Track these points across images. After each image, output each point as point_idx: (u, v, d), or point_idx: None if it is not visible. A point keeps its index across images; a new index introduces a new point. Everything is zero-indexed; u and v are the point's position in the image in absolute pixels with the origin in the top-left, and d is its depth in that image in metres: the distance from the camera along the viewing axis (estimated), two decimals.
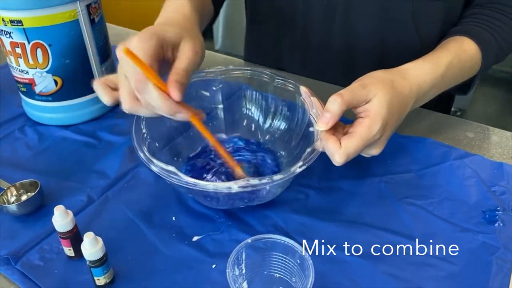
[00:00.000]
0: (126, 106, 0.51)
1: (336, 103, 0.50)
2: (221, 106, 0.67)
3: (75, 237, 0.50)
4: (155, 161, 0.51)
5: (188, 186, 0.49)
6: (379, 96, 0.52)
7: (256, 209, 0.58)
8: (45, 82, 0.68)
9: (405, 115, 0.57)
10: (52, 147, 0.69)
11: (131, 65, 0.46)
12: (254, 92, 0.67)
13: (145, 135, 0.57)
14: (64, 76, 0.68)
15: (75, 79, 0.69)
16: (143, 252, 0.53)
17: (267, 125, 0.67)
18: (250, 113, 0.68)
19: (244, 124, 0.68)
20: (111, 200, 0.59)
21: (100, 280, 0.47)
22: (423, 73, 0.59)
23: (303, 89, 0.59)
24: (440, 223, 0.56)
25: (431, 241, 0.54)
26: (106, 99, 0.52)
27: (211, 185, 0.48)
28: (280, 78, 0.63)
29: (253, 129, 0.68)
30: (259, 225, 0.56)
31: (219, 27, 2.70)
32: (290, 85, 0.63)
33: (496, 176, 0.62)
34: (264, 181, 0.48)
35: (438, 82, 0.61)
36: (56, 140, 0.70)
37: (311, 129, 0.64)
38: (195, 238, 0.54)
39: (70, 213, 0.49)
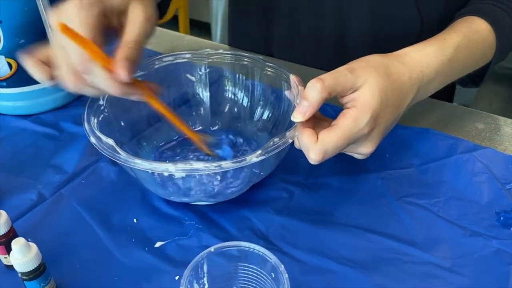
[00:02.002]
0: (69, 86, 0.43)
1: (315, 89, 0.42)
2: (206, 93, 0.60)
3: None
4: (98, 133, 0.45)
5: (123, 163, 0.42)
6: (370, 83, 0.44)
7: (232, 210, 0.50)
8: None
9: (404, 107, 0.48)
10: (7, 139, 0.61)
11: (71, 42, 0.39)
12: (239, 77, 0.59)
13: (102, 108, 0.50)
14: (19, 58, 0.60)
15: None
16: (95, 260, 0.45)
17: (253, 113, 0.60)
18: (235, 99, 0.61)
19: (227, 110, 0.61)
20: (65, 198, 0.51)
21: None
22: (426, 57, 0.50)
23: (292, 78, 0.51)
24: (446, 226, 0.48)
25: (435, 247, 0.46)
26: (41, 77, 0.45)
27: (146, 164, 0.41)
28: (271, 64, 0.55)
29: (237, 116, 0.60)
30: (234, 228, 0.48)
31: (218, 21, 2.62)
32: (280, 72, 0.55)
33: (511, 172, 0.53)
34: (210, 166, 0.40)
35: (445, 67, 0.51)
36: (12, 131, 0.62)
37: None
38: (158, 244, 0.46)
39: (4, 214, 0.41)
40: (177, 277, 0.43)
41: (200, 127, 0.61)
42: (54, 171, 0.55)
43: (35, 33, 0.60)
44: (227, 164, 0.40)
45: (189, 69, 0.59)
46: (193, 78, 0.60)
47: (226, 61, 0.58)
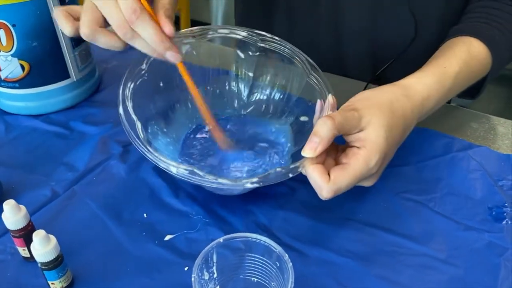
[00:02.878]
0: (85, 31, 0.46)
1: (326, 126, 0.43)
2: (250, 73, 0.61)
3: (30, 236, 0.44)
4: (129, 105, 0.47)
5: (134, 144, 0.45)
6: (375, 124, 0.45)
7: (237, 205, 0.52)
8: (11, 67, 0.62)
9: (403, 140, 0.51)
10: (20, 138, 0.63)
11: None
12: (279, 75, 0.60)
13: (143, 72, 0.51)
14: (31, 60, 0.62)
15: (44, 64, 0.63)
16: (108, 252, 0.47)
17: (283, 112, 0.61)
18: (271, 92, 0.61)
19: (257, 100, 0.62)
20: (78, 194, 0.53)
21: (55, 285, 0.42)
22: (428, 89, 0.52)
23: (329, 99, 0.51)
24: (442, 220, 0.50)
25: (431, 240, 0.48)
26: (68, 29, 0.47)
27: (150, 155, 0.43)
28: (316, 76, 0.55)
29: (265, 108, 0.61)
30: (240, 222, 0.50)
31: (218, 21, 2.63)
32: (322, 87, 0.54)
33: (504, 169, 0.56)
34: (208, 178, 0.42)
35: (444, 97, 0.54)
36: (24, 131, 0.64)
37: (302, 118, 0.58)
38: (167, 237, 0.49)
39: (23, 208, 0.43)
40: (186, 268, 0.45)
41: (229, 110, 0.61)
42: (66, 169, 0.57)
43: (47, 36, 0.62)
44: (223, 181, 0.43)
45: (241, 46, 0.59)
46: (242, 55, 0.60)
47: (279, 51, 0.57)
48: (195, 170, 0.42)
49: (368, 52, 0.75)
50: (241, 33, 0.57)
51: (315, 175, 0.44)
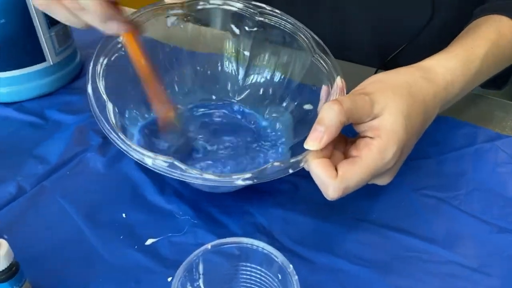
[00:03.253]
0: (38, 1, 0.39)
1: (332, 112, 0.36)
2: (247, 52, 0.54)
3: None
4: (100, 84, 0.41)
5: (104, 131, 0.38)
6: (391, 109, 0.38)
7: (231, 203, 0.45)
8: None
9: (424, 130, 0.43)
10: None
11: None
12: (280, 55, 0.53)
13: (120, 46, 0.44)
14: (0, 40, 0.55)
15: (15, 45, 0.56)
16: (78, 259, 0.40)
17: (283, 98, 0.53)
18: (270, 74, 0.54)
19: (254, 82, 0.54)
20: (48, 191, 0.46)
21: None
22: (452, 73, 0.44)
23: (338, 83, 0.44)
24: (470, 221, 0.43)
25: (458, 245, 0.41)
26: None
27: (121, 144, 0.37)
28: (322, 55, 0.48)
29: (262, 93, 0.54)
30: (235, 224, 0.43)
31: None
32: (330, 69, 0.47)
33: None
34: (191, 172, 0.35)
35: (470, 83, 0.46)
36: None
37: (305, 106, 0.51)
38: (149, 241, 0.42)
39: None
40: (169, 279, 0.38)
41: (221, 94, 0.54)
42: (36, 162, 0.50)
43: (17, 13, 0.55)
44: (209, 176, 0.35)
45: (236, 20, 0.52)
46: (237, 31, 0.53)
47: (280, 27, 0.50)
48: (176, 163, 0.35)
49: (376, 36, 0.68)
50: (236, 5, 0.50)
51: (319, 170, 0.37)
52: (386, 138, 0.38)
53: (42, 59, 0.59)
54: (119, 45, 0.44)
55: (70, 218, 0.44)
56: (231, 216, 0.44)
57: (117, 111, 0.40)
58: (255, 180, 0.36)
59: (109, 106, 0.39)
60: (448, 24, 0.61)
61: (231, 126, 0.52)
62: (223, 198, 0.45)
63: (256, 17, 0.50)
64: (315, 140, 0.36)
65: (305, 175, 0.47)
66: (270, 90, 0.54)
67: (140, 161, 0.36)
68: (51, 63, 0.60)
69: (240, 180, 0.36)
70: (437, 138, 0.52)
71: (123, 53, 0.44)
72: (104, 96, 0.39)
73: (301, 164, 0.38)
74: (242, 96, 0.55)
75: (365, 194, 0.46)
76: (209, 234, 0.42)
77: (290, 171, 0.37)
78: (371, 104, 0.38)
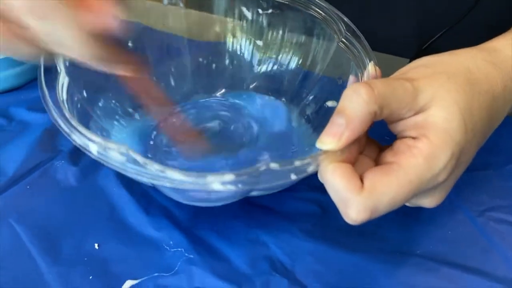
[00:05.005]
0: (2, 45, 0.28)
1: (358, 98, 0.25)
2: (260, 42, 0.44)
3: None
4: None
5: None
6: (444, 101, 0.27)
7: (239, 230, 0.34)
8: None
9: (490, 132, 0.33)
10: None
11: None
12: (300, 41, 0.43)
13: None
14: None
15: None
16: None
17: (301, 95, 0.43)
18: (281, 63, 0.44)
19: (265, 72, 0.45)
20: (0, 211, 0.36)
21: None
22: None
23: (370, 70, 0.33)
24: None
25: None
26: None
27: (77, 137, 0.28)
28: (349, 36, 0.38)
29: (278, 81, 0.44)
30: (243, 260, 0.32)
31: None
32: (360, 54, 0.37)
33: None
34: (155, 170, 0.26)
35: None
36: None
37: (329, 103, 0.40)
38: (127, 284, 0.31)
39: None
40: None
41: (223, 89, 0.45)
42: None
43: None
44: (175, 175, 0.25)
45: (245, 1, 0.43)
46: (248, 15, 0.43)
47: (301, 7, 0.40)
48: (132, 154, 0.25)
49: (412, 21, 0.57)
50: None
51: (336, 179, 0.25)
52: (436, 139, 0.26)
53: None
54: None
55: (23, 249, 0.33)
56: (238, 247, 0.33)
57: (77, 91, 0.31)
58: (239, 186, 0.25)
59: (63, 79, 0.31)
60: (495, 11, 0.50)
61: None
62: (228, 223, 0.34)
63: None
64: (332, 136, 0.25)
65: None
66: (284, 84, 0.43)
67: (82, 147, 0.27)
68: None
69: (217, 183, 0.25)
70: (500, 144, 0.41)
71: None
72: (61, 66, 0.31)
73: (310, 169, 0.27)
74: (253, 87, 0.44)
75: (415, 219, 0.35)
76: (208, 274, 0.31)
77: (293, 177, 0.26)
78: (414, 93, 0.27)
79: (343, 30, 0.38)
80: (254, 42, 0.44)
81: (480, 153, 0.39)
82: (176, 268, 0.32)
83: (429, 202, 0.30)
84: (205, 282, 0.31)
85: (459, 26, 0.54)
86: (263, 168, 0.26)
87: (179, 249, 0.33)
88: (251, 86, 0.44)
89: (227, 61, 0.45)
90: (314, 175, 0.37)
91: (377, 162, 0.29)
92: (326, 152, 0.26)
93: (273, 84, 0.44)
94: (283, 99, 0.43)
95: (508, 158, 0.40)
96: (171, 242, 0.33)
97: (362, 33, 0.41)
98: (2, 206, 0.36)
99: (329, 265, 0.32)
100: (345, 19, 0.38)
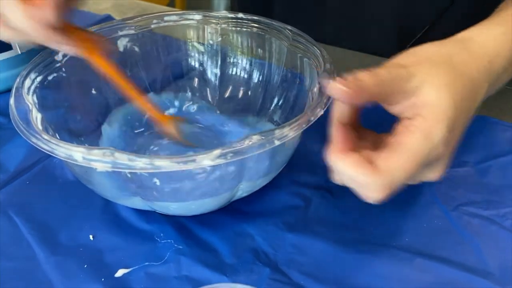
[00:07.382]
0: None
1: (367, 75, 0.28)
2: (216, 70, 0.47)
3: None
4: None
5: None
6: (433, 83, 0.30)
7: (225, 223, 0.36)
8: None
9: (473, 112, 0.34)
10: None
11: None
12: (258, 51, 0.46)
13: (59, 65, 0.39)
14: None
15: None
16: None
17: (270, 102, 0.45)
18: (249, 80, 0.47)
19: (234, 94, 0.47)
20: (0, 206, 0.38)
21: None
22: (494, 42, 0.36)
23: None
24: None
25: None
26: None
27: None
28: (301, 39, 0.40)
29: (246, 102, 0.46)
30: (229, 250, 0.34)
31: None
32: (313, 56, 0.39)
33: None
34: (133, 160, 0.27)
35: None
36: None
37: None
38: (119, 273, 0.33)
39: None
40: None
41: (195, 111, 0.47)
42: None
43: None
44: (161, 162, 0.27)
45: (197, 35, 0.46)
46: (201, 48, 0.46)
47: (244, 29, 0.44)
48: (117, 154, 0.27)
49: (393, 21, 0.59)
50: (195, 17, 0.44)
51: (348, 168, 0.28)
52: (430, 116, 0.29)
53: (8, 46, 0.51)
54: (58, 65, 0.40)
55: (22, 240, 0.35)
56: (224, 239, 0.35)
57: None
58: (227, 158, 0.27)
59: (36, 114, 0.33)
60: (471, 10, 0.52)
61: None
62: (215, 217, 0.36)
63: (219, 26, 0.44)
64: (338, 85, 0.27)
65: (320, 187, 0.39)
66: (250, 93, 0.46)
67: (68, 158, 0.28)
68: (19, 52, 0.52)
69: (208, 159, 0.27)
70: (475, 142, 0.43)
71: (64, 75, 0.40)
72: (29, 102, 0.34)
73: (290, 134, 0.29)
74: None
75: (393, 214, 0.37)
76: (196, 263, 0.33)
77: (276, 142, 0.29)
78: (407, 77, 0.30)
79: (289, 36, 0.41)
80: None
81: (457, 153, 0.42)
82: (166, 258, 0.34)
83: (433, 174, 0.32)
84: (192, 270, 0.33)
85: (438, 25, 0.56)
86: (247, 140, 0.28)
87: (169, 240, 0.35)
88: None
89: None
90: (299, 172, 0.40)
91: (378, 146, 0.31)
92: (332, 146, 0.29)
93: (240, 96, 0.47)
94: (250, 115, 0.45)
95: (483, 157, 0.42)
96: (161, 234, 0.35)
97: (348, 36, 0.43)
98: (3, 200, 0.38)
99: (309, 256, 0.34)
100: (289, 27, 0.42)
